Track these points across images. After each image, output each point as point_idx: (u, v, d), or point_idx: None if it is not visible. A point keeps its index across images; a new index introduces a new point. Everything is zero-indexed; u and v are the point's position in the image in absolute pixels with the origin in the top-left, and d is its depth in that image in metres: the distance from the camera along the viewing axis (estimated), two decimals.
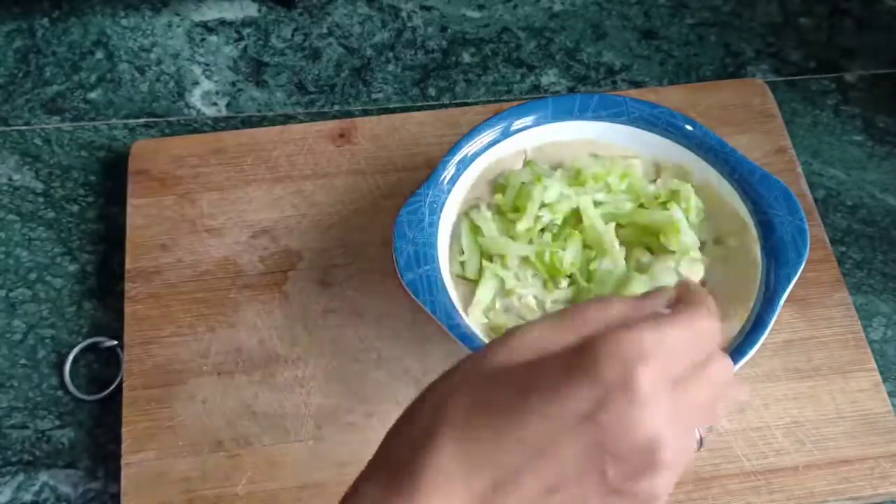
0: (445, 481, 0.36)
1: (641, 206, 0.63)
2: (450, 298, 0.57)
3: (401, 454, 0.38)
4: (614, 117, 0.65)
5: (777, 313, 0.57)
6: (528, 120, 0.64)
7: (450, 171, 0.62)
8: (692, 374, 0.39)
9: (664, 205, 0.62)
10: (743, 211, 0.62)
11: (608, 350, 0.37)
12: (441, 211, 0.61)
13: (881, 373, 0.62)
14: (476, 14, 0.81)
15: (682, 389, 0.38)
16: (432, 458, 0.37)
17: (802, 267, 0.58)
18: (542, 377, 0.38)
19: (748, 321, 0.57)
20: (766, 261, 0.59)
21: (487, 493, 0.36)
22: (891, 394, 0.62)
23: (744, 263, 0.60)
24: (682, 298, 0.42)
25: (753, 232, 0.61)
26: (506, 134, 0.64)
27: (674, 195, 0.62)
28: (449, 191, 0.62)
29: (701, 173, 0.64)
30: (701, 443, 0.43)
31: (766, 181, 0.61)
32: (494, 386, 0.38)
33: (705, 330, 0.40)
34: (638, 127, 0.64)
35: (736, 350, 0.55)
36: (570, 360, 0.38)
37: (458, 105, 0.76)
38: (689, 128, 0.64)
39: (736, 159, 0.63)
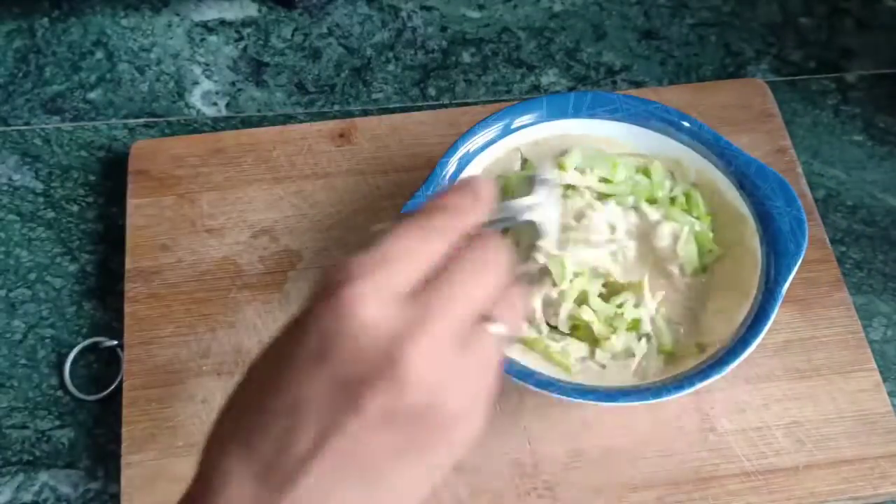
0: (226, 487, 0.37)
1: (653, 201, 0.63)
2: None
3: (198, 469, 0.39)
4: (609, 114, 0.65)
5: (779, 304, 0.57)
6: (523, 119, 0.64)
7: (448, 170, 0.62)
8: (438, 272, 0.38)
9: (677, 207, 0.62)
10: (740, 203, 0.62)
11: (318, 287, 0.37)
12: None
13: (881, 373, 0.62)
14: (476, 14, 0.81)
15: (426, 289, 0.37)
16: (211, 462, 0.38)
17: (802, 257, 0.58)
18: (273, 350, 0.38)
19: (750, 313, 0.57)
20: (766, 252, 0.59)
21: (263, 472, 0.36)
22: (891, 394, 0.62)
23: (743, 256, 0.61)
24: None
25: (752, 224, 0.61)
26: (503, 133, 0.64)
27: (688, 199, 0.63)
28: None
29: (697, 167, 0.64)
30: (506, 339, 0.40)
31: (763, 173, 0.62)
32: (246, 385, 0.39)
33: (440, 226, 0.39)
34: (633, 123, 0.65)
35: (739, 341, 0.56)
36: (293, 321, 0.38)
37: (458, 105, 0.76)
38: (683, 123, 0.64)
39: (731, 152, 0.63)
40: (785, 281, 0.58)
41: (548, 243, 0.59)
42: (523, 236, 0.60)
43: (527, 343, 0.58)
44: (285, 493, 0.36)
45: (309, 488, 0.36)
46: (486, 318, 0.39)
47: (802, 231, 0.59)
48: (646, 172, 0.64)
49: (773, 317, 0.56)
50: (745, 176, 0.62)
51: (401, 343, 0.36)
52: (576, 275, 0.59)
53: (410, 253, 0.38)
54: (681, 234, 0.61)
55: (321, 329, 0.37)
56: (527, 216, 0.56)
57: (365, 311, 0.36)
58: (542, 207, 0.56)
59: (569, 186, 0.62)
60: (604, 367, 0.58)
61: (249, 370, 0.40)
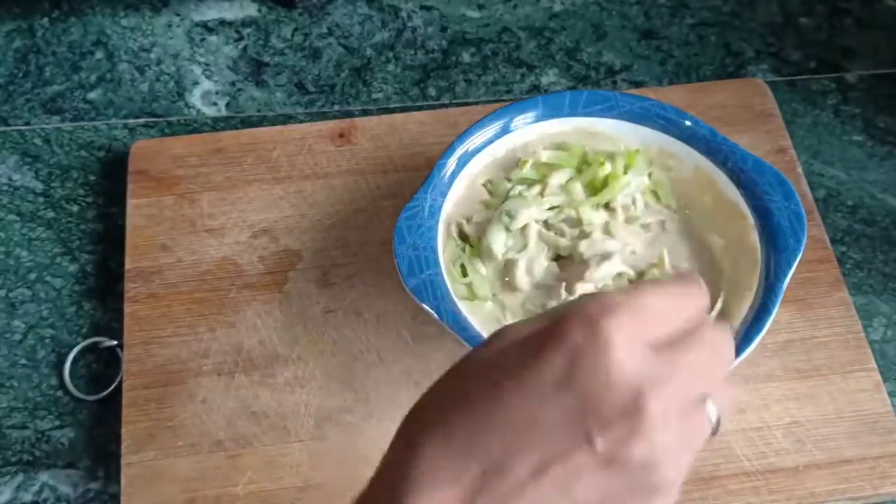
0: (430, 488, 0.35)
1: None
2: (454, 300, 0.57)
3: (389, 472, 0.37)
4: (605, 112, 0.65)
5: (780, 299, 0.57)
6: (520, 119, 0.64)
7: (448, 169, 0.62)
8: (678, 339, 0.37)
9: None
10: (738, 199, 0.62)
11: (573, 311, 0.36)
12: (439, 213, 0.61)
13: (881, 373, 0.62)
14: (476, 14, 0.81)
15: (669, 351, 0.37)
16: (413, 469, 0.36)
17: (802, 252, 0.58)
18: (513, 357, 0.37)
19: (751, 309, 0.57)
20: (765, 248, 0.59)
21: (476, 485, 0.35)
22: (891, 394, 0.62)
23: (743, 252, 0.61)
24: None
25: (751, 220, 0.61)
26: (502, 132, 0.64)
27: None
28: (445, 193, 0.62)
29: (694, 164, 0.64)
30: (718, 425, 0.40)
31: (760, 167, 0.62)
32: (469, 380, 0.38)
33: (688, 296, 0.39)
34: (629, 121, 0.64)
35: (742, 338, 0.55)
36: (539, 333, 0.37)
37: (458, 105, 0.76)
38: (679, 119, 0.64)
39: (728, 148, 0.63)
40: (786, 276, 0.57)
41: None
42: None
43: None
44: None
45: None
46: (705, 397, 0.38)
47: (802, 226, 0.59)
48: (583, 160, 0.64)
49: (775, 312, 0.56)
50: (742, 171, 0.62)
51: (645, 392, 0.35)
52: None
53: (668, 312, 0.38)
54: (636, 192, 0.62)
55: (573, 351, 0.36)
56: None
57: (621, 350, 0.35)
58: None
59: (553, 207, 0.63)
60: None
61: (469, 364, 0.38)
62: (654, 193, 0.64)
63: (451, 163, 0.62)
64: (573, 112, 0.65)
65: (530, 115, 0.64)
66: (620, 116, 0.65)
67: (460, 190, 0.63)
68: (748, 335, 0.56)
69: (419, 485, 0.36)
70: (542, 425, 0.35)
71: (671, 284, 0.39)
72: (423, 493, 0.35)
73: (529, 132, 0.65)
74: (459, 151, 0.63)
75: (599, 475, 0.35)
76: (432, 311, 0.56)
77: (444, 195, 0.61)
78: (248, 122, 0.75)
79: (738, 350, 0.55)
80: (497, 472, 0.35)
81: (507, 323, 0.59)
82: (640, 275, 0.60)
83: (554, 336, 0.36)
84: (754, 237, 0.60)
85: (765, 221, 0.60)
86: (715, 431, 0.39)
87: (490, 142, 0.64)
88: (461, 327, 0.56)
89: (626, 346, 0.35)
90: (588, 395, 0.35)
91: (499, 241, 0.61)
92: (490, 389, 0.36)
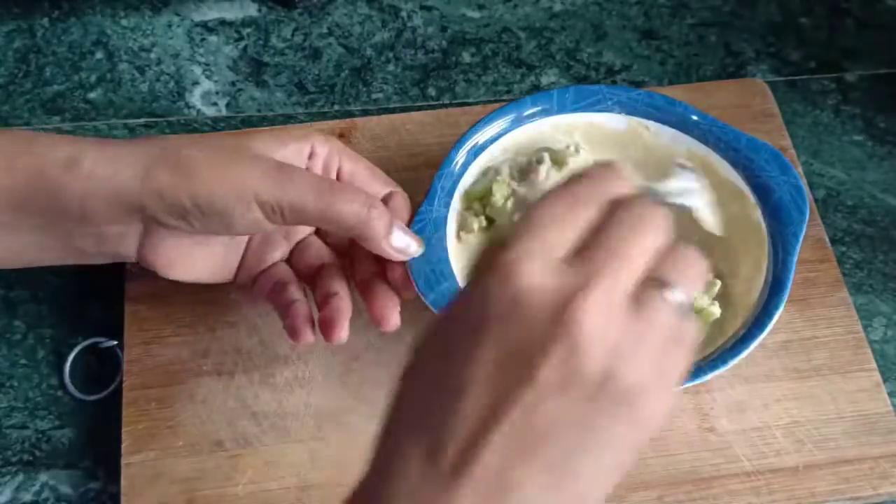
0: (402, 468, 0.35)
1: None
2: None
3: (372, 457, 0.38)
4: (593, 106, 0.65)
5: (793, 272, 0.57)
6: (507, 120, 0.64)
7: (453, 166, 0.62)
8: (594, 234, 0.36)
9: None
10: (736, 178, 0.62)
11: (477, 269, 0.36)
12: (445, 225, 0.60)
13: (881, 373, 0.62)
14: (476, 14, 0.81)
15: (585, 251, 0.36)
16: (383, 450, 0.37)
17: (806, 223, 0.59)
18: (439, 322, 0.37)
19: (766, 285, 0.57)
20: (770, 224, 0.60)
21: (437, 452, 0.34)
22: (891, 394, 0.62)
23: (747, 230, 0.61)
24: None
25: (751, 198, 0.61)
26: (499, 134, 0.64)
27: None
28: (448, 204, 0.61)
29: (688, 148, 0.64)
30: (692, 304, 0.37)
31: (753, 144, 0.62)
32: (416, 359, 0.38)
33: (592, 186, 0.38)
34: (618, 113, 0.64)
35: (760, 315, 0.56)
36: (464, 292, 0.38)
37: (458, 105, 0.76)
38: (669, 106, 0.64)
39: (719, 128, 0.63)
40: (795, 249, 0.58)
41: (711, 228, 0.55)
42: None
43: None
44: (459, 477, 0.33)
45: (485, 468, 0.33)
46: (660, 283, 0.36)
47: (802, 197, 0.60)
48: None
49: (789, 285, 0.56)
50: (736, 151, 0.62)
51: (570, 305, 0.34)
52: None
53: (559, 219, 0.36)
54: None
55: (484, 299, 0.35)
56: (678, 200, 0.49)
57: (528, 276, 0.34)
58: (692, 193, 0.51)
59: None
60: None
61: (416, 352, 0.38)
62: None
63: (454, 165, 0.62)
64: (562, 110, 0.64)
65: (515, 118, 0.64)
66: (608, 109, 0.64)
67: (461, 190, 0.63)
68: (768, 309, 0.56)
69: (386, 477, 0.35)
70: (479, 374, 0.34)
71: (559, 188, 0.38)
72: (393, 479, 0.35)
73: (519, 131, 0.65)
74: (459, 155, 0.63)
75: (558, 404, 0.34)
76: None
77: (447, 206, 0.61)
78: (248, 123, 0.75)
79: (760, 325, 0.55)
80: (449, 433, 0.34)
81: None
82: None
83: (466, 293, 0.37)
84: (757, 214, 0.60)
85: (766, 198, 0.60)
86: (690, 307, 0.37)
87: (492, 140, 0.64)
88: None
89: (533, 269, 0.35)
90: (512, 329, 0.34)
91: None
92: (425, 366, 0.37)
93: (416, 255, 0.57)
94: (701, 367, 0.55)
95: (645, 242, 0.37)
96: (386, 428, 0.38)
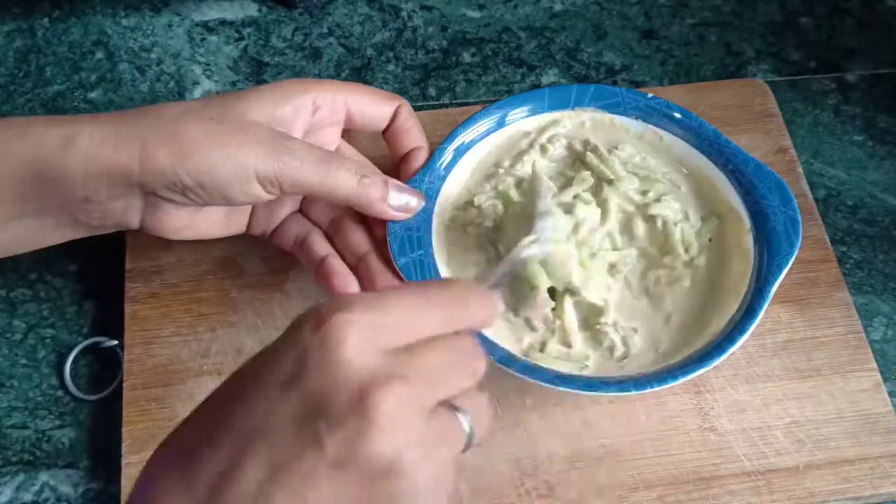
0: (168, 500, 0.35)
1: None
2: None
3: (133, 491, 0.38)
4: (609, 108, 0.65)
5: (767, 303, 0.57)
6: (524, 110, 0.66)
7: (445, 158, 0.63)
8: (419, 344, 0.37)
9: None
10: (736, 201, 0.62)
11: (306, 316, 0.36)
12: (436, 198, 0.62)
13: (881, 373, 0.62)
14: (476, 14, 0.81)
15: (404, 353, 0.36)
16: (147, 485, 0.37)
17: (794, 257, 0.59)
18: (245, 369, 0.37)
19: (738, 311, 0.57)
20: (758, 251, 0.60)
21: (212, 488, 0.34)
22: (891, 394, 0.62)
23: (735, 254, 0.61)
24: None
25: (746, 223, 0.61)
26: (501, 124, 0.65)
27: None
28: (444, 177, 0.63)
29: (695, 164, 0.64)
30: (471, 437, 0.39)
31: (760, 172, 0.62)
32: (215, 394, 0.38)
33: (446, 315, 0.39)
34: (633, 117, 0.65)
35: (726, 338, 0.56)
36: (279, 338, 0.37)
37: (458, 105, 0.76)
38: (684, 118, 0.65)
39: (731, 150, 0.63)
40: (775, 280, 0.58)
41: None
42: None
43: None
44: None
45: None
46: (452, 406, 0.38)
47: (796, 231, 0.60)
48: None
49: (761, 315, 0.57)
50: (742, 174, 0.62)
51: (375, 388, 0.34)
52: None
53: (409, 321, 0.37)
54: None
55: (300, 352, 0.35)
56: (527, 254, 0.55)
57: (349, 348, 0.35)
58: (541, 242, 0.55)
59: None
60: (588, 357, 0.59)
61: (213, 392, 0.38)
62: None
63: (451, 150, 0.64)
64: (578, 106, 0.66)
65: (534, 107, 0.66)
66: (624, 113, 0.65)
67: (459, 178, 0.64)
68: (732, 336, 0.56)
69: None
70: (271, 428, 0.34)
71: (429, 290, 0.39)
72: None
73: (530, 123, 0.66)
74: (460, 139, 0.64)
75: (333, 479, 0.34)
76: None
77: (441, 179, 0.63)
78: None
79: (722, 349, 0.55)
80: (226, 480, 0.34)
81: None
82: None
83: (287, 337, 0.36)
84: (748, 240, 0.60)
85: (760, 225, 0.60)
86: (468, 445, 0.38)
87: (491, 131, 0.65)
88: None
89: (356, 344, 0.35)
90: (316, 394, 0.34)
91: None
92: (224, 399, 0.37)
93: (418, 209, 0.59)
94: (653, 377, 0.55)
95: (459, 377, 0.38)
96: (154, 462, 0.38)
